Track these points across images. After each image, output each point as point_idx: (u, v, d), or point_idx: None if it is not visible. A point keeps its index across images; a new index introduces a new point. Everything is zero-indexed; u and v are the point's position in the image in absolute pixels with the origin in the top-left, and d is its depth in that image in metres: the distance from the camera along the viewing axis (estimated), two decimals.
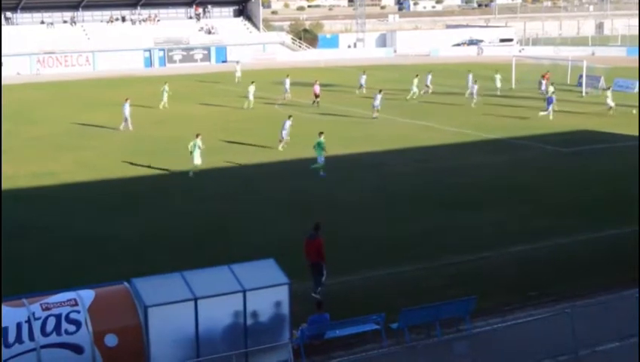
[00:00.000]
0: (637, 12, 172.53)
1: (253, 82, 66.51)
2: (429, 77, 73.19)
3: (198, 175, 40.35)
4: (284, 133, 46.52)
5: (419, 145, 48.20)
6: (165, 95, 65.61)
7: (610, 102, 59.58)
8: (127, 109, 53.93)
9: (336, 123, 55.76)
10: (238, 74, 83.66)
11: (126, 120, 54.02)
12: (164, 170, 42.20)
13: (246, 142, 49.22)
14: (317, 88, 66.13)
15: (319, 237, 24.77)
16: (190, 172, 40.57)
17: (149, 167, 42.83)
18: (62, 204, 35.94)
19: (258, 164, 43.61)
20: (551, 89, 63.89)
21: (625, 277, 25.82)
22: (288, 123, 46.71)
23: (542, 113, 58.01)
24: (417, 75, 71.58)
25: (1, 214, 31.82)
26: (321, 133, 41.35)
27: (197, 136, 41.39)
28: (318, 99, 65.23)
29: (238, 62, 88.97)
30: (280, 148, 46.22)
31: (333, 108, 62.84)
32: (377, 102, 58.32)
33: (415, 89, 69.36)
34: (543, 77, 73.26)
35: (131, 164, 43.54)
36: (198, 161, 40.50)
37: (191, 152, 40.58)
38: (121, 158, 44.83)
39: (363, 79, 74.65)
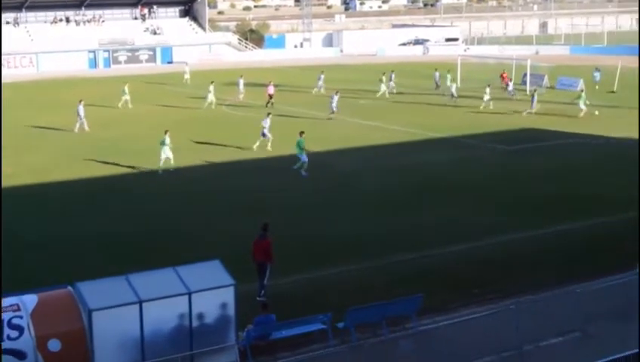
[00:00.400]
0: (579, 12, 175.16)
1: (212, 82, 66.21)
2: (392, 76, 73.58)
3: (151, 175, 40.38)
4: (265, 130, 46.48)
5: (368, 145, 48.33)
6: (126, 96, 65.79)
7: (582, 105, 57.91)
8: (81, 110, 53.77)
9: (288, 124, 55.66)
10: (187, 75, 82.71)
11: (81, 121, 53.75)
12: (119, 170, 42.15)
13: (200, 141, 49.19)
14: (271, 89, 65.09)
15: (268, 237, 24.75)
16: (160, 170, 41.53)
17: (114, 164, 42.89)
18: (15, 207, 35.35)
19: (211, 163, 43.59)
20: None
21: (568, 273, 26.19)
22: (267, 121, 46.68)
23: (528, 111, 59.20)
24: (384, 73, 72.42)
25: (2, 213, 31.41)
26: (301, 132, 41.68)
27: (165, 132, 42.24)
28: (272, 100, 64.13)
29: (186, 63, 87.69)
30: (268, 147, 46.21)
31: (283, 108, 62.52)
32: (334, 103, 57.93)
33: (383, 87, 70.23)
34: (502, 77, 73.49)
35: (88, 164, 43.22)
36: (169, 155, 41.53)
37: (161, 146, 41.75)
38: (75, 159, 44.50)
39: (321, 79, 74.55)
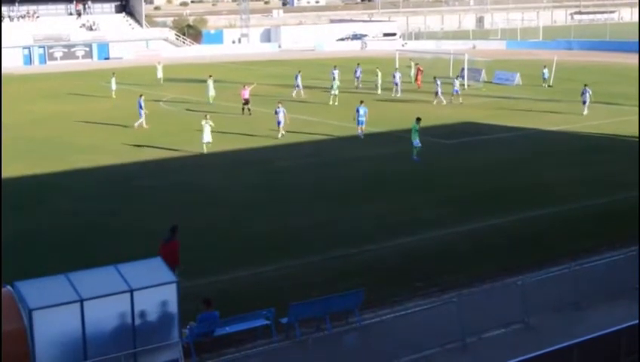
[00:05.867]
0: (514, 7, 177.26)
1: (211, 76, 66.15)
2: (336, 72, 73.13)
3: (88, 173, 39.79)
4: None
5: (308, 140, 48.33)
6: (114, 84, 69.19)
7: None
8: (142, 104, 53.32)
9: (219, 118, 55.46)
10: (160, 74, 78.95)
11: (141, 115, 53.18)
12: (59, 167, 41.71)
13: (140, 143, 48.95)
14: (246, 93, 58.15)
15: (175, 239, 24.41)
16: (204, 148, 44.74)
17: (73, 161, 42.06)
18: None
19: (142, 161, 43.23)
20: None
21: (508, 265, 26.46)
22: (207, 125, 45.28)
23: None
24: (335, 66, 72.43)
25: (1, 211, 31.12)
26: (418, 118, 42.62)
27: (205, 116, 45.80)
28: (249, 106, 57.63)
29: (159, 62, 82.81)
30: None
31: (224, 105, 62.36)
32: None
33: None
34: (418, 71, 73.82)
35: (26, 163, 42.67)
36: (207, 138, 44.82)
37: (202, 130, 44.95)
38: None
39: (359, 71, 73.96)
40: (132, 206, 34.70)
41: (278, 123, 49.01)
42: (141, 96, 54.39)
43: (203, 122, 45.10)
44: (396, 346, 19.95)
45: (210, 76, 66.43)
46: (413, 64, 76.68)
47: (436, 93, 63.31)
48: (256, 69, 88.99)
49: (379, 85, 69.34)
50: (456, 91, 62.61)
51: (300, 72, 69.95)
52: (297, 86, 67.96)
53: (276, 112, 49.33)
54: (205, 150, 44.60)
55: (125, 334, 18.71)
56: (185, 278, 23.11)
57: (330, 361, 19.75)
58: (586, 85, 57.22)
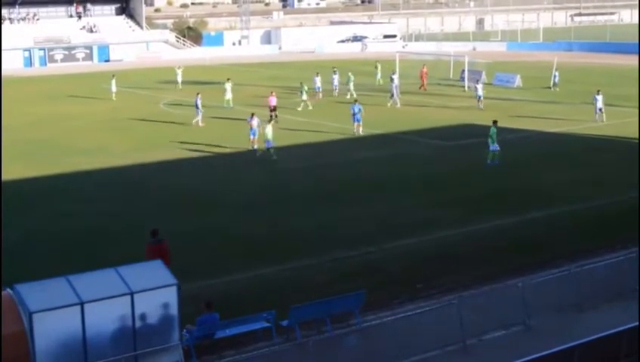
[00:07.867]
0: (514, 8, 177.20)
1: (229, 79, 65.42)
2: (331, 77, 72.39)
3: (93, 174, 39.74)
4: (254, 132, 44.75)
5: (308, 142, 48.30)
6: (114, 86, 69.23)
7: None
8: (199, 102, 54.16)
9: (229, 122, 55.58)
10: (179, 78, 76.71)
11: (198, 113, 54.11)
12: (43, 171, 41.53)
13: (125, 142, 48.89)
14: (273, 100, 55.51)
15: (163, 240, 24.17)
16: (258, 151, 44.13)
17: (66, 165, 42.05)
18: None
19: (142, 163, 43.16)
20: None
21: (508, 267, 26.43)
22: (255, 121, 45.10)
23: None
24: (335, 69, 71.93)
25: (1, 213, 31.17)
26: (495, 121, 42.22)
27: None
28: (276, 113, 54.39)
29: (179, 67, 79.25)
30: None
31: (240, 110, 62.39)
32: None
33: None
34: (422, 73, 73.12)
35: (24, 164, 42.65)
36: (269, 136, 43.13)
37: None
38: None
39: (336, 79, 71.26)
40: (132, 208, 34.69)
41: (252, 133, 45.52)
42: (198, 94, 55.02)
43: (268, 127, 43.50)
44: (397, 348, 19.94)
45: (229, 79, 65.09)
46: (379, 66, 76.10)
47: (391, 95, 63.45)
48: (257, 71, 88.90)
49: (351, 89, 67.47)
50: (480, 97, 60.83)
51: (317, 73, 68.83)
52: (318, 88, 67.14)
53: (248, 121, 46.16)
54: (271, 150, 43.18)
55: (126, 337, 18.70)
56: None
57: None
58: (598, 90, 54.54)
